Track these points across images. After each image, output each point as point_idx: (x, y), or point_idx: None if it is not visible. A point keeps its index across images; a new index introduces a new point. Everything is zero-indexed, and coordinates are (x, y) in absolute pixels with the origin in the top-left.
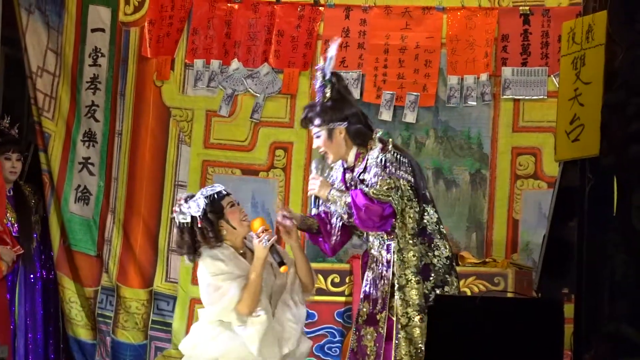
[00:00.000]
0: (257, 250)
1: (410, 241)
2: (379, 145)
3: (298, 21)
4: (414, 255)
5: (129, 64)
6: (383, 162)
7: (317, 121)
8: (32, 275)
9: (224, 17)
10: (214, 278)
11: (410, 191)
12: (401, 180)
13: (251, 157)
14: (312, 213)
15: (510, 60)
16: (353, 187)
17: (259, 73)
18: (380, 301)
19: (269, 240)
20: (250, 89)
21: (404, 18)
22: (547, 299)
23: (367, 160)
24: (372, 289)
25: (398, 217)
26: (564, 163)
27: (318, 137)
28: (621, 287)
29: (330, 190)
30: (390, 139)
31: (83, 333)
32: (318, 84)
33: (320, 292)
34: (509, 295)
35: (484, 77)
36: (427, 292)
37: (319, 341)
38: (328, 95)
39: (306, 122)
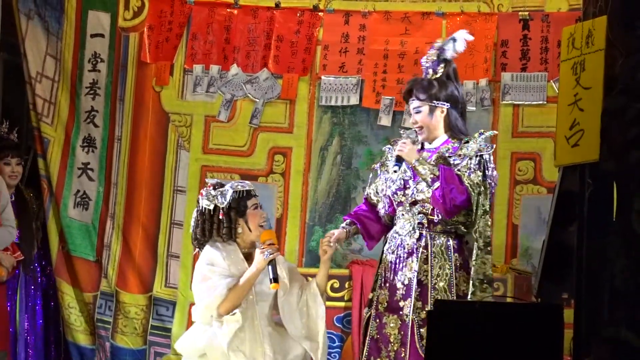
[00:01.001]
0: (257, 261)
1: (487, 248)
2: (484, 144)
3: (297, 26)
4: (484, 263)
5: (128, 69)
6: (483, 160)
7: (421, 95)
8: (32, 281)
9: (223, 22)
10: (207, 267)
11: (489, 202)
12: (489, 187)
13: (250, 163)
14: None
15: (510, 65)
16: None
17: (258, 78)
18: (403, 288)
19: (270, 254)
20: (249, 94)
21: (404, 23)
22: (547, 304)
23: (462, 149)
24: (392, 274)
25: (476, 221)
26: (563, 168)
27: (418, 112)
28: (621, 292)
29: (419, 158)
30: (494, 145)
31: (82, 338)
32: (430, 60)
33: None
34: (509, 300)
35: (483, 82)
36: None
37: None
38: (440, 73)
39: (409, 94)
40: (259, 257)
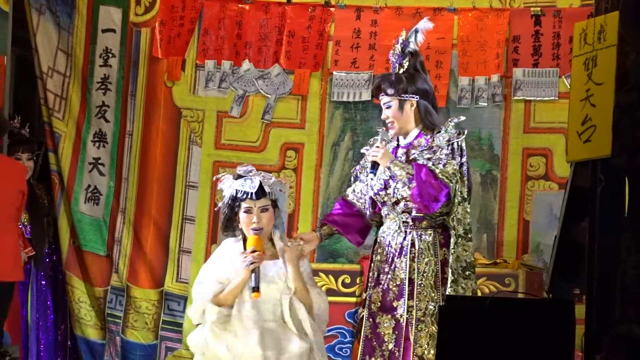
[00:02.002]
0: (241, 269)
1: (468, 235)
2: (453, 131)
3: (309, 22)
4: (465, 250)
5: (139, 64)
6: (454, 147)
7: (390, 90)
8: (44, 276)
9: (235, 17)
10: (205, 266)
11: (466, 189)
12: (464, 174)
13: (262, 158)
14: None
15: (522, 61)
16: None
17: (270, 74)
18: (394, 288)
19: (251, 264)
20: (261, 90)
21: (415, 19)
22: (558, 300)
23: (435, 140)
24: (383, 275)
25: (454, 209)
26: (575, 164)
27: (388, 107)
28: (633, 289)
29: (393, 160)
30: (465, 131)
31: (92, 333)
32: (395, 55)
33: (331, 292)
34: (520, 295)
35: (495, 78)
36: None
37: (329, 342)
38: (405, 66)
39: (378, 90)
40: (242, 266)
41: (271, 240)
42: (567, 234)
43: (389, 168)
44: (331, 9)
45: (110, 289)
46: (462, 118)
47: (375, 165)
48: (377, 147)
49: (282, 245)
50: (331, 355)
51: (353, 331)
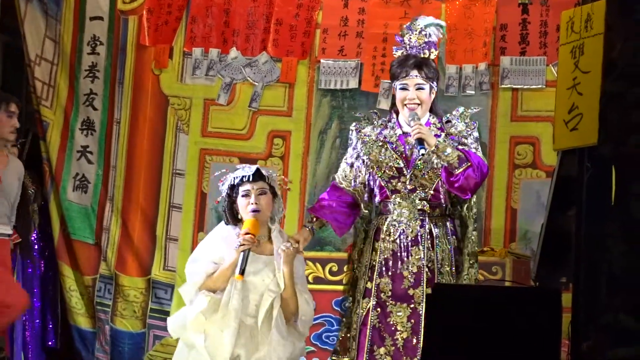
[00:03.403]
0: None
1: (475, 224)
2: (470, 122)
3: (297, 10)
4: (472, 240)
5: (127, 52)
6: (475, 136)
7: (429, 73)
8: (30, 264)
9: (223, 5)
10: (201, 245)
11: None
12: None
13: (249, 146)
14: (417, 153)
15: (509, 49)
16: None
17: (258, 62)
18: (411, 276)
19: (241, 245)
20: (248, 78)
21: (403, 7)
22: (545, 288)
23: (451, 129)
24: (396, 263)
25: (470, 198)
26: (562, 152)
27: (421, 89)
28: (620, 277)
29: (438, 138)
30: (477, 122)
31: (83, 322)
32: (423, 38)
33: (318, 280)
34: (507, 284)
35: (482, 66)
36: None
37: (316, 330)
38: (433, 56)
39: (418, 68)
40: (233, 247)
41: (269, 236)
42: (553, 222)
43: (438, 147)
44: None
45: (99, 277)
46: (476, 109)
47: (421, 141)
48: (419, 124)
49: (278, 245)
50: (318, 344)
51: (340, 319)
